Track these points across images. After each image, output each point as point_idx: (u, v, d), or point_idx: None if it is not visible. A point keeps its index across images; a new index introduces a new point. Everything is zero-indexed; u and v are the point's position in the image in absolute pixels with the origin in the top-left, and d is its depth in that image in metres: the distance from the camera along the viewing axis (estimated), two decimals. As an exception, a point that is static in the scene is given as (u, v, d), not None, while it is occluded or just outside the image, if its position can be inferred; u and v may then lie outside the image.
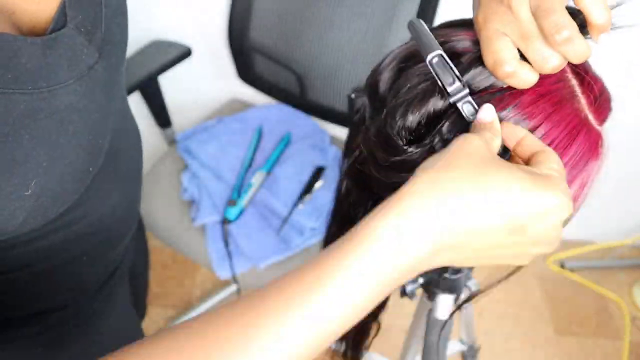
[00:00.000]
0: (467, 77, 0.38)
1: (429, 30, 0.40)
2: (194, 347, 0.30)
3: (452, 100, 0.38)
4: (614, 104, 0.42)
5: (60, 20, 0.37)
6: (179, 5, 1.29)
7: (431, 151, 0.39)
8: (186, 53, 1.16)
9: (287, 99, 1.29)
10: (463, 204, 0.31)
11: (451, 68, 0.37)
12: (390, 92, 0.42)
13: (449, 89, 0.37)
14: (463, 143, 0.34)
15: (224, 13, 1.24)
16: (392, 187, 0.35)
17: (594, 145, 0.39)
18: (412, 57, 0.42)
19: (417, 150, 0.39)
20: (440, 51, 0.38)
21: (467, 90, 0.37)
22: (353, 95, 0.49)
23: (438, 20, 1.01)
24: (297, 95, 1.26)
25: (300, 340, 0.30)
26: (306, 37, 1.15)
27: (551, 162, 0.34)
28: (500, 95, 0.38)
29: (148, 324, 1.52)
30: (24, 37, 0.34)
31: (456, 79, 0.37)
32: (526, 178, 0.32)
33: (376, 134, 0.42)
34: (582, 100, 0.39)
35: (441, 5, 1.00)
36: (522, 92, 0.38)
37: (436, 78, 0.38)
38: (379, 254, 0.31)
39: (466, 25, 0.42)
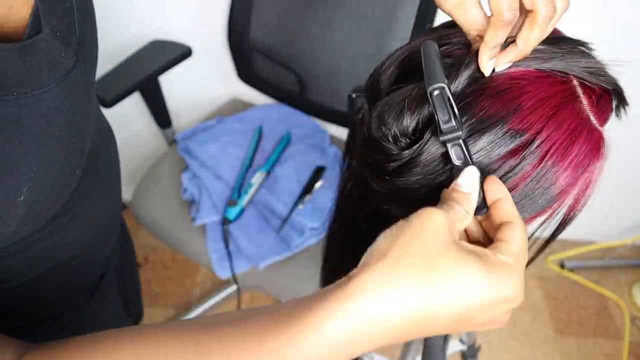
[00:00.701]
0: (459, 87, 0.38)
1: (438, 57, 0.39)
2: None
3: (442, 139, 0.37)
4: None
5: (36, 26, 0.37)
6: (179, 5, 1.29)
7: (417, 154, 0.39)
8: (186, 53, 1.16)
9: (287, 99, 1.29)
10: (412, 302, 0.32)
11: (451, 106, 0.37)
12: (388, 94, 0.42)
13: (443, 127, 0.37)
14: (424, 223, 0.34)
15: (224, 13, 1.24)
16: (386, 192, 0.35)
17: (595, 146, 0.39)
18: (413, 59, 0.42)
19: (401, 154, 0.39)
20: (443, 84, 0.37)
21: (459, 133, 0.37)
22: (354, 95, 0.49)
23: (438, 21, 1.01)
24: (297, 95, 1.26)
25: None
26: (306, 37, 1.15)
27: (512, 244, 0.35)
28: (501, 95, 0.38)
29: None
30: (1, 43, 0.34)
31: (452, 117, 0.36)
32: (478, 271, 0.33)
33: (365, 136, 0.42)
34: (584, 101, 0.39)
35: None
36: (522, 95, 0.38)
37: (434, 111, 0.37)
38: (330, 345, 0.32)
39: None
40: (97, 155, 0.53)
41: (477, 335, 1.05)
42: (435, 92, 0.37)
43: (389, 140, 0.40)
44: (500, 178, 0.38)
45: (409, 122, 0.39)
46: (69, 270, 0.54)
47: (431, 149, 0.38)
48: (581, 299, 1.69)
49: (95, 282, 0.63)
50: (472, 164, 0.37)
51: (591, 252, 1.76)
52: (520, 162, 0.38)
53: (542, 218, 0.43)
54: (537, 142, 0.38)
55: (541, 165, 0.38)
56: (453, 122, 0.36)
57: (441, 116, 0.37)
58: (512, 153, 0.38)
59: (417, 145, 0.39)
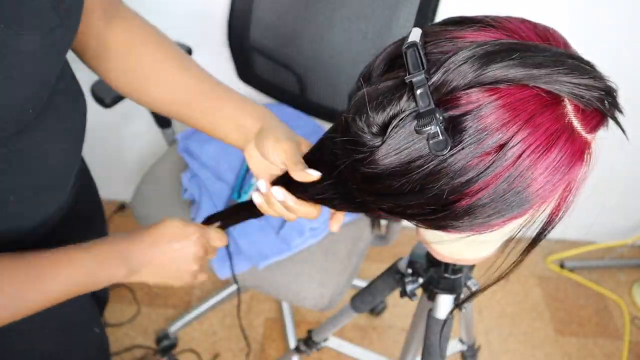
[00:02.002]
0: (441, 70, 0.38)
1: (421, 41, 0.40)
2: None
3: (407, 79, 0.38)
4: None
5: None
6: (179, 5, 1.29)
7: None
8: (186, 53, 1.16)
9: (287, 99, 1.29)
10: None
11: (421, 62, 0.38)
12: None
13: (411, 69, 0.38)
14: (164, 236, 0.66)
15: (224, 13, 1.24)
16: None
17: (577, 153, 0.39)
18: (400, 56, 0.41)
19: (374, 142, 0.40)
20: (415, 40, 0.39)
21: (423, 76, 0.38)
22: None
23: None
24: (297, 95, 1.26)
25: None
26: (306, 37, 1.15)
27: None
28: (482, 89, 0.37)
29: (148, 324, 1.52)
30: None
31: (420, 65, 0.38)
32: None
33: (343, 128, 0.43)
34: (568, 106, 0.38)
35: (441, 5, 1.00)
36: (505, 92, 0.37)
37: (405, 64, 0.39)
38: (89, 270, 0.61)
39: (469, 22, 0.42)
40: (59, 108, 0.56)
41: (477, 335, 1.05)
42: (410, 49, 0.39)
43: (364, 130, 0.41)
44: (474, 177, 0.38)
45: (383, 115, 0.40)
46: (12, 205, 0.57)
47: (403, 130, 0.39)
48: (581, 299, 1.69)
49: (52, 225, 0.66)
50: (435, 107, 0.38)
51: (591, 252, 1.76)
52: (493, 162, 0.38)
53: (520, 220, 0.42)
54: (511, 144, 0.37)
55: (514, 166, 0.38)
56: (421, 69, 0.38)
57: (411, 64, 0.38)
58: (487, 152, 0.38)
59: (389, 128, 0.39)
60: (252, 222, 1.07)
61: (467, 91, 0.37)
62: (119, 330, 1.51)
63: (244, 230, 1.06)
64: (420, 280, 0.77)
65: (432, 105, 0.37)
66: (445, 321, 0.77)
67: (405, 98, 0.39)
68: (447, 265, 0.73)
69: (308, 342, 1.18)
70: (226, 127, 0.63)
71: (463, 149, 0.38)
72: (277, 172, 0.62)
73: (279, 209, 0.59)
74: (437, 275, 0.75)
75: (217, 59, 1.36)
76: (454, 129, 0.38)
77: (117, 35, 0.60)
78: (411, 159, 0.40)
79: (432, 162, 0.39)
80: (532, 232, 0.44)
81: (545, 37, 0.41)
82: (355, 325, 1.56)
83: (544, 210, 0.41)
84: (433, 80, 0.38)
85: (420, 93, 0.38)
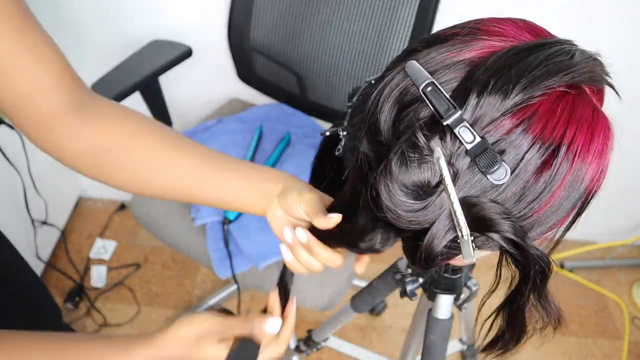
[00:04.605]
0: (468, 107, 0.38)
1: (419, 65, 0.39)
2: None
3: (444, 122, 0.37)
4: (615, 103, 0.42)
5: None
6: (179, 5, 1.29)
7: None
8: (186, 53, 1.16)
9: (287, 99, 1.29)
10: None
11: (443, 94, 0.37)
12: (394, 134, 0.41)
13: (442, 112, 0.37)
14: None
15: (224, 13, 1.24)
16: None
17: (607, 127, 0.40)
18: (407, 93, 0.40)
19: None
20: (431, 79, 0.38)
21: (459, 113, 0.37)
22: (330, 133, 0.49)
23: (438, 22, 1.02)
24: (297, 95, 1.27)
25: None
26: (306, 37, 1.15)
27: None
28: (516, 111, 0.37)
29: (148, 324, 1.52)
30: None
31: (449, 104, 0.37)
32: None
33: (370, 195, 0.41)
34: (587, 90, 0.39)
35: (441, 5, 1.00)
36: (537, 105, 0.37)
37: (429, 105, 0.38)
38: None
39: (461, 39, 0.41)
40: None
41: (476, 335, 1.05)
42: (429, 88, 0.38)
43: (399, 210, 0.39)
44: (541, 192, 0.38)
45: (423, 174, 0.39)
46: None
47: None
48: (581, 298, 1.69)
49: None
50: (482, 139, 0.37)
51: (591, 252, 1.76)
52: (556, 171, 0.38)
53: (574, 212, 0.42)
54: (563, 149, 0.37)
55: (572, 168, 0.38)
56: (452, 108, 0.37)
57: (439, 106, 0.37)
58: (545, 164, 0.38)
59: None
60: (252, 222, 1.07)
61: (502, 118, 0.37)
62: (119, 330, 1.51)
63: (244, 230, 1.06)
64: (420, 280, 0.77)
65: (478, 138, 0.37)
66: (445, 321, 0.77)
67: (448, 139, 0.37)
68: (447, 265, 0.73)
69: (308, 342, 1.18)
70: (246, 196, 0.58)
71: (519, 169, 0.38)
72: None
73: (305, 258, 0.56)
74: (437, 275, 0.75)
75: (217, 59, 1.36)
76: (500, 154, 0.38)
77: (105, 133, 0.54)
78: (471, 193, 0.39)
79: (491, 190, 0.38)
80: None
81: (533, 31, 0.41)
82: (355, 325, 1.56)
83: (591, 198, 0.41)
84: (466, 117, 0.37)
85: (461, 130, 0.37)
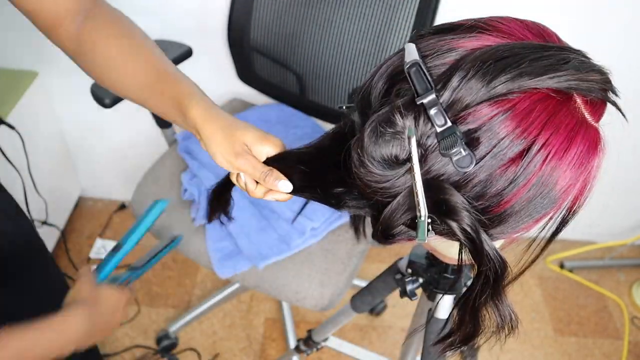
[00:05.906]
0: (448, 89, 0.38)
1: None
2: None
3: (418, 100, 0.38)
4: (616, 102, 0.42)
5: None
6: (179, 6, 1.29)
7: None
8: (186, 53, 1.16)
9: (287, 99, 1.29)
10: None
11: (425, 74, 0.38)
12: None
13: (419, 90, 0.38)
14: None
15: (224, 13, 1.24)
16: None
17: (593, 143, 0.39)
18: (400, 72, 0.41)
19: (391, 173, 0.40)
20: (417, 60, 0.38)
21: (434, 96, 0.37)
22: (344, 107, 0.50)
23: (438, 21, 1.01)
24: (297, 95, 1.27)
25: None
26: (306, 37, 1.15)
27: None
28: (494, 102, 0.37)
29: (148, 324, 1.52)
30: None
31: (428, 84, 0.38)
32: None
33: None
34: (578, 100, 0.39)
35: (441, 5, 1.00)
36: (517, 100, 0.37)
37: (410, 83, 0.38)
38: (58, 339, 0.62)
39: (464, 29, 0.41)
40: None
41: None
42: (413, 69, 0.38)
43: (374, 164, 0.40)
44: (504, 188, 0.39)
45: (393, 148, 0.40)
46: None
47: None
48: (581, 299, 1.69)
49: None
50: (454, 124, 0.38)
51: (591, 252, 1.76)
52: (522, 170, 0.38)
53: (545, 220, 0.42)
54: (535, 149, 0.37)
55: (541, 170, 0.38)
56: (430, 88, 0.38)
57: (418, 86, 0.38)
58: (512, 160, 0.38)
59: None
60: (252, 222, 1.07)
61: (480, 106, 0.37)
62: (119, 330, 1.51)
63: (244, 230, 1.06)
64: (420, 280, 0.77)
65: (449, 124, 0.37)
66: (445, 321, 0.77)
67: (421, 120, 0.38)
68: (447, 265, 0.73)
69: (308, 342, 1.18)
70: (168, 113, 0.63)
71: (485, 161, 0.38)
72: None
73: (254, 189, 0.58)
74: (437, 275, 0.75)
75: (217, 59, 1.36)
76: (471, 142, 0.38)
77: (87, 34, 0.64)
78: (436, 175, 0.40)
79: (456, 177, 0.39)
80: (547, 229, 0.44)
81: (539, 34, 0.41)
82: (355, 325, 1.56)
83: (565, 207, 0.41)
84: (443, 98, 0.38)
85: (434, 113, 0.37)
